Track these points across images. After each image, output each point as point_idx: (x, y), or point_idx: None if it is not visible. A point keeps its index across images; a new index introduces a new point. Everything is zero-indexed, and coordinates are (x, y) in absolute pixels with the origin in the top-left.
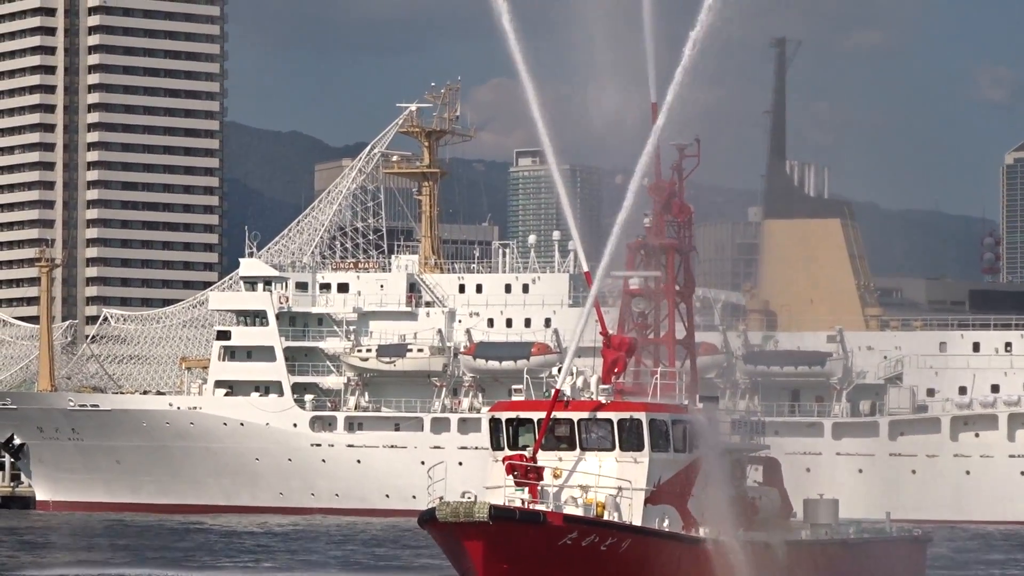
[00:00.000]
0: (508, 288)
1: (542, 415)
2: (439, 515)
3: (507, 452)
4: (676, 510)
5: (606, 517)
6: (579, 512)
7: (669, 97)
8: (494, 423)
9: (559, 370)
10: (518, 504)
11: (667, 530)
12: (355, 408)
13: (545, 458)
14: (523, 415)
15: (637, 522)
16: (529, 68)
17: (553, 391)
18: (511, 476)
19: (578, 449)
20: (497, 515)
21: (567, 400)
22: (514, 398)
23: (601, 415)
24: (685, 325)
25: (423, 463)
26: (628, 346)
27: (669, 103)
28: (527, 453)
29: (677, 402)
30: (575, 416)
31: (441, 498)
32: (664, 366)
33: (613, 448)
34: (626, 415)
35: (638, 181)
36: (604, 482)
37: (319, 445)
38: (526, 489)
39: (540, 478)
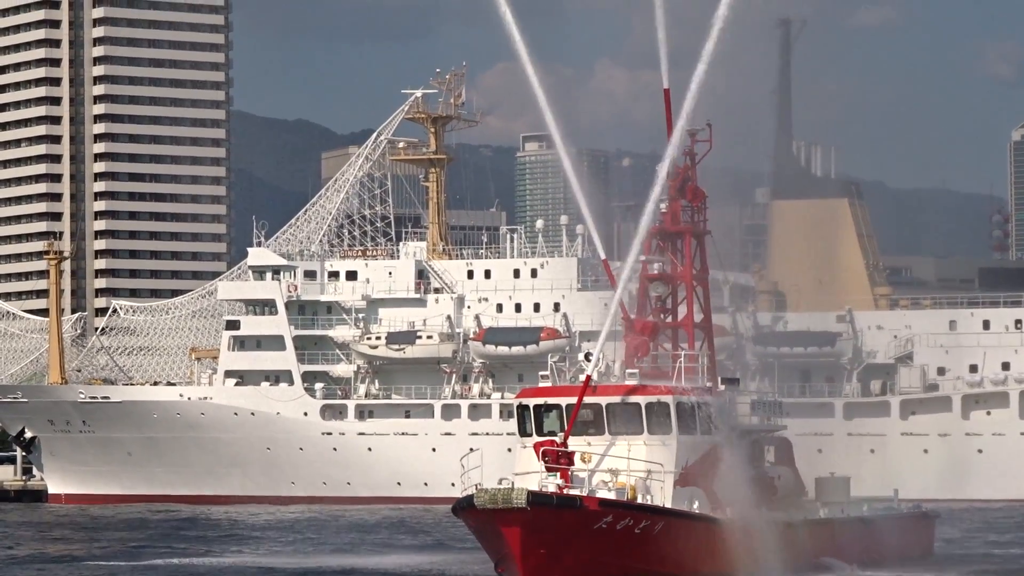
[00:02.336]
0: (516, 273)
1: (568, 400)
2: (477, 502)
3: (535, 438)
4: (703, 491)
5: (638, 500)
6: (612, 496)
7: (693, 86)
8: (521, 409)
9: (586, 356)
10: (552, 489)
11: (697, 512)
12: (365, 396)
13: (573, 443)
14: (550, 401)
15: (668, 504)
16: (531, 54)
17: (584, 377)
18: (542, 462)
19: (606, 433)
20: (535, 501)
21: (594, 385)
22: (540, 384)
23: (629, 399)
24: (702, 308)
25: (434, 450)
26: (651, 330)
27: (692, 93)
28: (556, 439)
29: (700, 384)
30: (603, 401)
31: (477, 486)
32: (683, 349)
33: (641, 432)
34: (654, 399)
35: (661, 185)
36: (634, 465)
37: (330, 434)
38: (558, 474)
39: (571, 463)
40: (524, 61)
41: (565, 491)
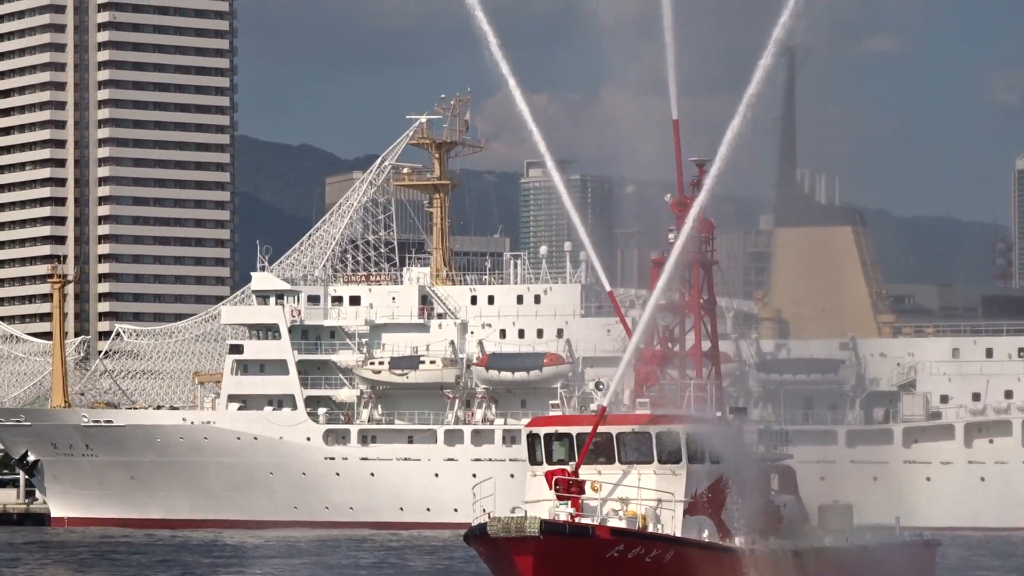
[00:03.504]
0: (520, 299)
1: (579, 429)
2: (491, 530)
3: (546, 467)
4: (712, 520)
5: (649, 529)
6: (623, 525)
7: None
8: (532, 438)
9: (596, 385)
10: (564, 518)
11: (707, 540)
12: (368, 421)
13: (583, 471)
14: (561, 430)
15: (678, 533)
16: (523, 86)
17: (600, 408)
18: (554, 490)
19: (616, 462)
20: (547, 529)
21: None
22: (551, 413)
23: (640, 429)
24: (709, 337)
25: (437, 475)
26: (660, 359)
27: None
28: (567, 467)
29: (709, 414)
30: (614, 430)
31: (489, 513)
32: (690, 378)
33: (652, 461)
34: (664, 428)
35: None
36: (644, 494)
37: (333, 458)
38: (569, 503)
39: (582, 492)
40: (516, 95)
41: (576, 520)
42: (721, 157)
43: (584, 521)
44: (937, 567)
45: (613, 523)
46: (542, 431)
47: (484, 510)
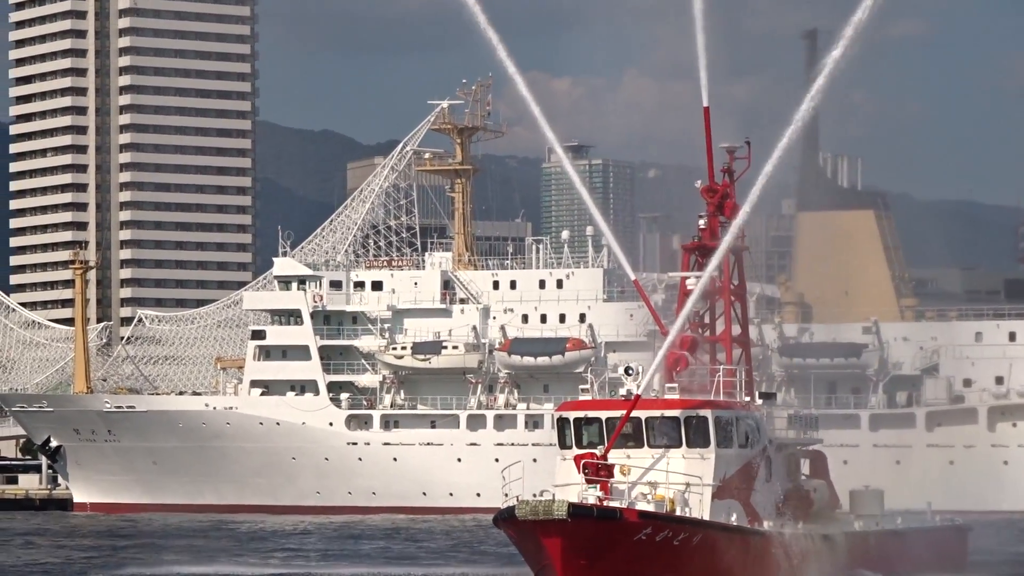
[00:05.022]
0: (542, 284)
1: (608, 414)
2: (519, 513)
3: (575, 450)
4: (740, 504)
5: (677, 513)
6: (651, 508)
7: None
8: (562, 422)
9: (626, 371)
10: (592, 501)
11: (735, 524)
12: (391, 406)
13: (612, 455)
14: (591, 414)
15: (706, 517)
16: (524, 75)
17: (634, 396)
18: (583, 474)
19: (645, 446)
20: (575, 512)
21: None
22: (581, 397)
23: (668, 413)
24: (739, 323)
25: (459, 460)
26: (690, 344)
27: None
28: (596, 451)
29: (738, 399)
30: (643, 414)
31: (517, 496)
32: (720, 363)
33: (680, 445)
34: (693, 412)
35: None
36: (672, 478)
37: (355, 444)
38: (598, 486)
39: (611, 475)
40: (511, 71)
41: (605, 503)
42: (781, 148)
43: (612, 504)
44: (969, 551)
45: (641, 506)
46: (572, 415)
47: (508, 494)
